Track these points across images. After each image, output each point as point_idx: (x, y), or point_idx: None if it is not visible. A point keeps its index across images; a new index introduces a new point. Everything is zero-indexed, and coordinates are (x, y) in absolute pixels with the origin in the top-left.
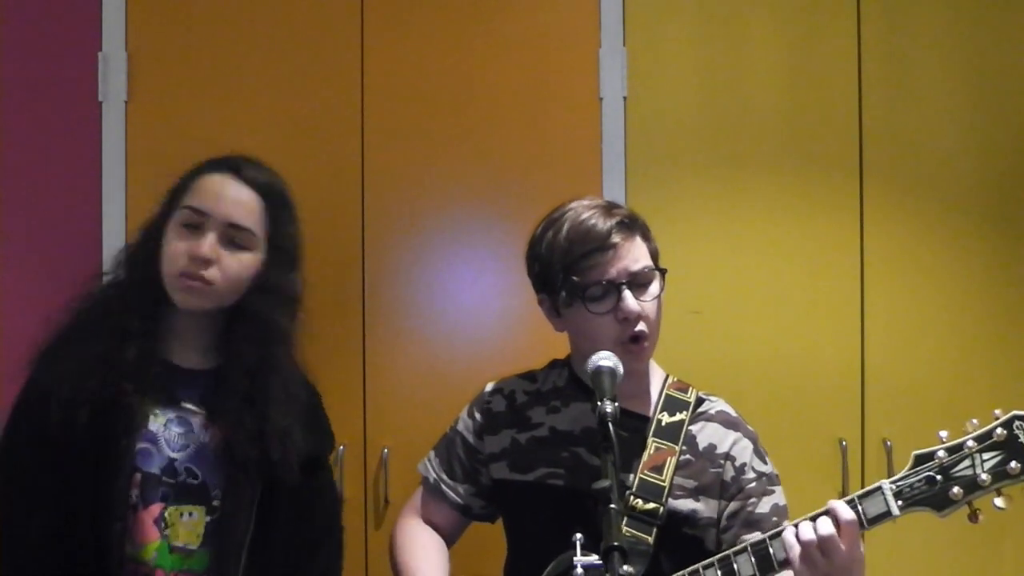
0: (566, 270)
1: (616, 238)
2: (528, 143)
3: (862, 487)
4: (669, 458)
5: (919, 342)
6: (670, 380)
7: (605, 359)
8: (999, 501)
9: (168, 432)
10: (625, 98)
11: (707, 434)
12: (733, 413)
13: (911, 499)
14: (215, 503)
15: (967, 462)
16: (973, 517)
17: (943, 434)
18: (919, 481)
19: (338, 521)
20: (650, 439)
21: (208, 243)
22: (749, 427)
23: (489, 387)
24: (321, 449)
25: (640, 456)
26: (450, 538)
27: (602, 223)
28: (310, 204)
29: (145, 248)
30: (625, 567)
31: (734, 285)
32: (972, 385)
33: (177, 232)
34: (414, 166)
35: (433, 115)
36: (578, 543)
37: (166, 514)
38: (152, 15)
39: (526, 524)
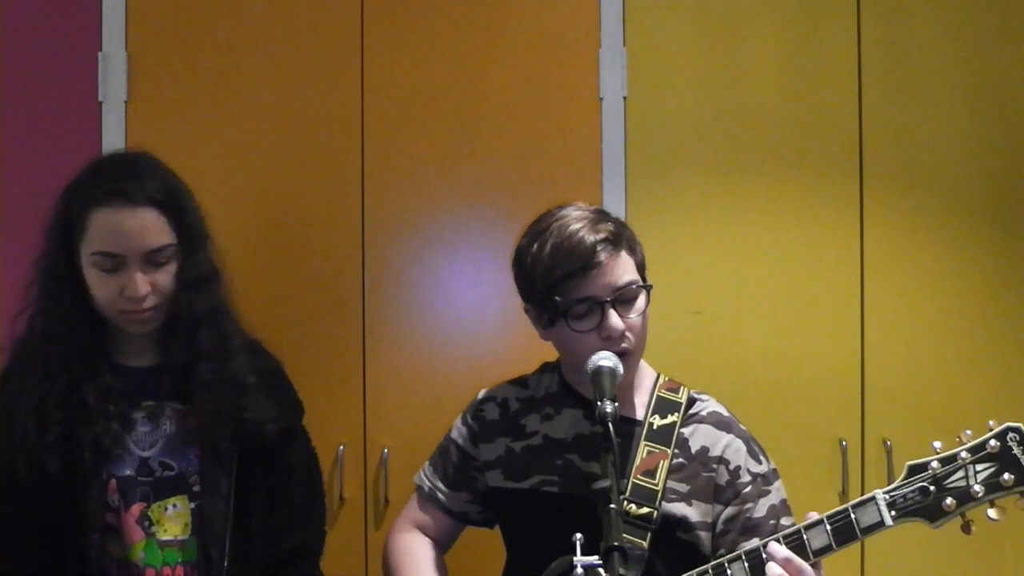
0: (548, 289)
1: (601, 256)
2: (528, 143)
3: (862, 487)
4: (662, 461)
5: (919, 342)
6: (661, 380)
7: (605, 359)
8: (992, 512)
9: (134, 433)
10: (625, 98)
11: (699, 436)
12: (725, 413)
13: (904, 509)
14: (195, 489)
15: (960, 473)
16: (966, 528)
17: (936, 444)
18: (912, 491)
19: (319, 492)
20: (642, 443)
21: (138, 280)
22: (742, 427)
23: (481, 394)
24: (290, 420)
25: (633, 460)
26: (445, 545)
27: (587, 240)
28: (310, 204)
29: (59, 276)
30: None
31: (734, 285)
32: (972, 385)
33: (96, 273)
34: (414, 166)
35: (433, 115)
36: (578, 543)
37: (149, 512)
38: (152, 15)
39: (522, 531)
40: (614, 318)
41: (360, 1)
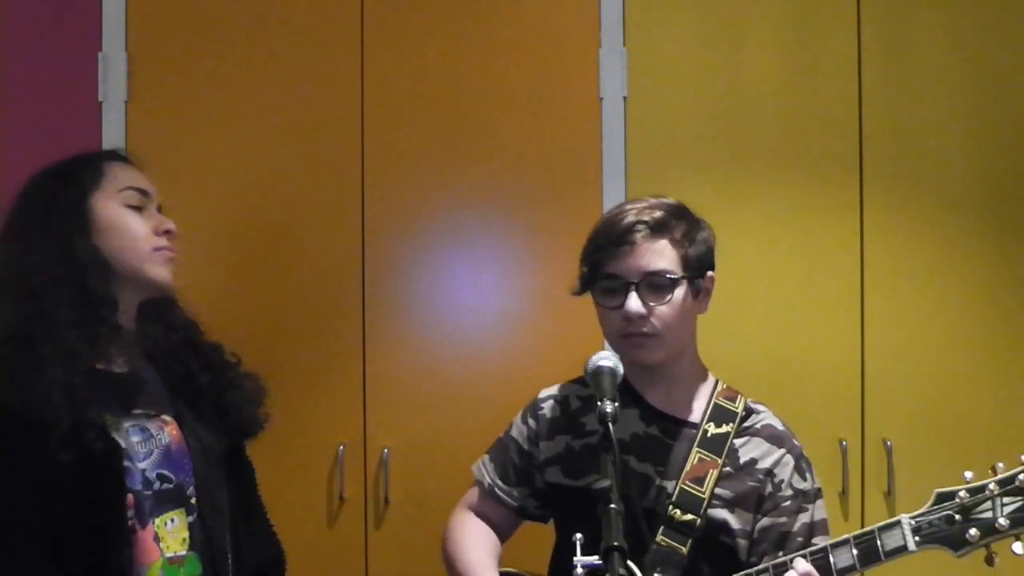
0: (585, 259)
1: (635, 236)
2: (528, 143)
3: (862, 487)
4: (711, 470)
5: (919, 342)
6: (720, 387)
7: (604, 359)
8: (1017, 547)
9: (130, 443)
10: (625, 98)
11: (750, 449)
12: (780, 427)
13: (928, 536)
14: (192, 501)
15: (987, 505)
16: (989, 560)
17: (968, 475)
18: (938, 519)
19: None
20: (695, 448)
21: (166, 218)
22: (795, 442)
23: (542, 394)
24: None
25: (683, 465)
26: (503, 535)
27: (627, 219)
28: (310, 204)
29: (84, 248)
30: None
31: (734, 285)
32: (972, 385)
33: (127, 213)
34: (414, 166)
35: (433, 115)
36: (578, 543)
37: (155, 528)
38: (152, 15)
39: (575, 527)
40: (633, 300)
41: (360, 1)
